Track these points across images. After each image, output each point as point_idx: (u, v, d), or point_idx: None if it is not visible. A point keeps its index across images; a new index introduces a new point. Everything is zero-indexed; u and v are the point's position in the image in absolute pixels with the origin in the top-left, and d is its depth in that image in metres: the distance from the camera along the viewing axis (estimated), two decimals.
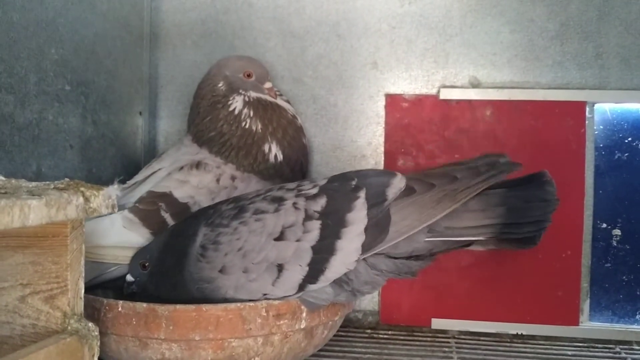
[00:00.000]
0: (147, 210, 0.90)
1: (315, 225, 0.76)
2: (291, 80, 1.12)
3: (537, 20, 1.06)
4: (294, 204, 0.78)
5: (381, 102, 1.10)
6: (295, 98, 1.12)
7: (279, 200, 0.79)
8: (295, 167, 1.03)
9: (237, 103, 1.00)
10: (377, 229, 0.76)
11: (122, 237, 0.87)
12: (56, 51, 0.87)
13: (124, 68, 1.07)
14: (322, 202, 0.78)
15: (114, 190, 0.58)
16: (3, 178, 0.58)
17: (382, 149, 1.09)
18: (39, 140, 0.84)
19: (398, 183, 0.78)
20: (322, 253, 0.75)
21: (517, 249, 0.93)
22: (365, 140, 1.10)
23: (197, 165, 0.96)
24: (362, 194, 0.77)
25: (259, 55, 1.12)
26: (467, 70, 1.08)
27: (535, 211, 0.81)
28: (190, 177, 0.94)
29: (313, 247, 0.75)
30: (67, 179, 0.57)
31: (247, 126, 0.99)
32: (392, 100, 1.09)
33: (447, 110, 1.07)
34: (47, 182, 0.57)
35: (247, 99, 1.01)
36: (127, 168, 1.07)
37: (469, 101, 1.06)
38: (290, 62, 1.12)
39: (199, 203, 0.92)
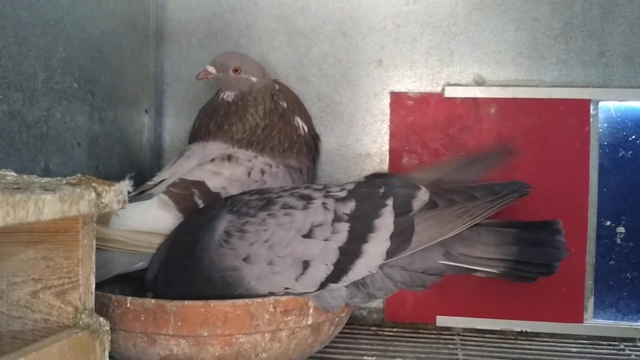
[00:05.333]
0: (181, 194, 0.90)
1: (344, 227, 0.78)
2: (296, 78, 1.13)
3: (542, 19, 1.06)
4: (324, 204, 0.80)
5: (386, 100, 1.10)
6: (301, 96, 1.11)
7: (308, 198, 0.81)
8: (316, 138, 1.08)
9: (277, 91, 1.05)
10: (401, 237, 0.79)
11: (157, 222, 0.87)
12: (64, 49, 0.88)
13: (130, 66, 1.07)
14: (351, 205, 0.80)
15: (125, 186, 0.58)
16: (15, 174, 0.58)
17: (387, 147, 1.10)
18: (47, 138, 0.84)
19: (422, 196, 0.82)
20: (349, 255, 0.77)
21: (515, 282, 0.94)
22: (370, 139, 1.11)
23: (229, 158, 0.96)
24: (390, 202, 0.80)
25: (264, 53, 1.13)
26: (472, 68, 1.08)
27: (545, 256, 0.84)
28: (222, 169, 0.95)
29: (340, 248, 0.77)
30: (79, 175, 0.57)
31: (284, 105, 1.03)
32: (397, 99, 1.09)
33: (451, 108, 1.07)
34: (59, 178, 0.57)
35: (274, 84, 1.06)
36: (133, 165, 1.08)
37: (474, 99, 1.07)
38: (296, 61, 1.13)
39: (230, 195, 0.93)
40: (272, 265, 0.77)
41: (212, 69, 1.01)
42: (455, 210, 0.80)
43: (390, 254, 0.78)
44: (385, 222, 0.79)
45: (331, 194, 0.82)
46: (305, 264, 0.77)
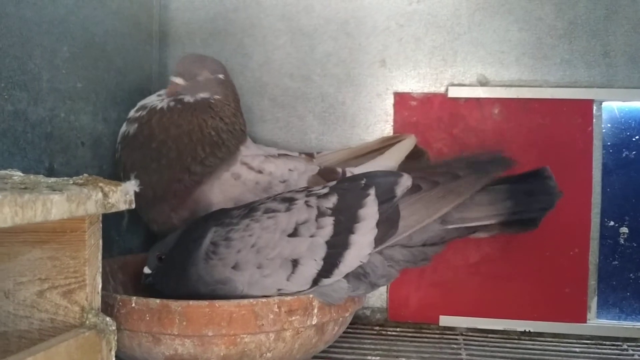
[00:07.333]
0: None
1: (329, 221, 0.78)
2: (300, 78, 1.13)
3: (546, 19, 1.06)
4: (306, 202, 0.80)
5: (389, 100, 1.10)
6: (304, 96, 1.12)
7: (290, 200, 0.81)
8: None
9: None
10: (387, 223, 0.79)
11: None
12: (68, 49, 0.88)
13: (134, 66, 1.07)
14: (333, 199, 0.80)
15: (131, 185, 0.58)
16: (21, 174, 0.58)
17: None
18: (51, 137, 0.84)
19: (405, 181, 0.82)
20: (337, 248, 0.77)
21: (519, 232, 0.95)
22: (373, 139, 1.10)
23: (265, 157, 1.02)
24: (372, 192, 0.80)
25: (267, 52, 1.13)
26: (476, 68, 1.08)
27: (539, 203, 0.87)
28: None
29: (327, 242, 0.77)
30: (85, 175, 0.57)
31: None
32: (401, 99, 1.10)
33: (455, 108, 1.07)
34: (66, 178, 0.57)
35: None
36: None
37: (477, 99, 1.07)
38: (299, 60, 1.13)
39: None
40: (261, 268, 0.77)
41: (179, 80, 0.96)
42: (439, 191, 0.81)
43: (378, 241, 0.78)
44: (370, 211, 0.79)
45: (313, 192, 0.82)
46: (295, 263, 0.77)
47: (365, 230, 0.78)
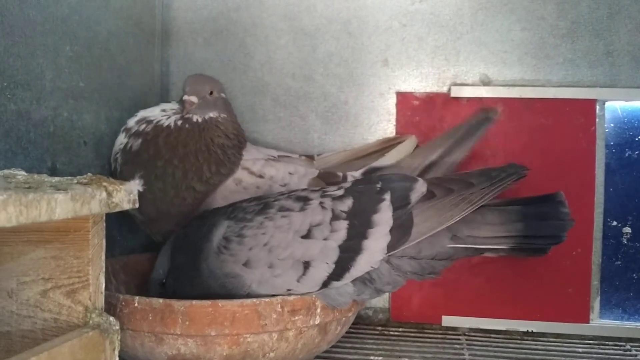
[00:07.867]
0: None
1: (343, 225, 0.78)
2: (302, 77, 1.13)
3: (548, 18, 1.06)
4: (321, 203, 0.80)
5: (392, 100, 1.10)
6: (306, 96, 1.12)
7: (304, 200, 0.81)
8: None
9: None
10: (401, 230, 0.79)
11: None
12: (71, 48, 0.87)
13: (136, 65, 1.07)
14: (348, 202, 0.80)
15: (135, 185, 0.58)
16: (25, 173, 0.58)
17: None
18: (54, 137, 0.84)
19: (420, 188, 0.82)
20: (349, 252, 0.77)
21: (528, 257, 0.97)
22: (375, 138, 1.11)
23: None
24: (387, 197, 0.80)
25: (270, 52, 1.13)
26: (478, 68, 1.08)
27: (550, 228, 0.86)
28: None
29: (340, 246, 0.77)
30: (89, 174, 0.57)
31: None
32: (403, 98, 1.09)
33: (457, 108, 1.07)
34: (70, 177, 0.57)
35: None
36: None
37: (480, 99, 1.07)
38: (301, 60, 1.13)
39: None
40: (272, 268, 0.77)
41: (194, 99, 0.94)
42: (453, 198, 0.81)
43: (390, 247, 0.78)
44: (384, 217, 0.79)
45: (328, 193, 0.82)
46: (306, 265, 0.77)
47: (379, 235, 0.78)
